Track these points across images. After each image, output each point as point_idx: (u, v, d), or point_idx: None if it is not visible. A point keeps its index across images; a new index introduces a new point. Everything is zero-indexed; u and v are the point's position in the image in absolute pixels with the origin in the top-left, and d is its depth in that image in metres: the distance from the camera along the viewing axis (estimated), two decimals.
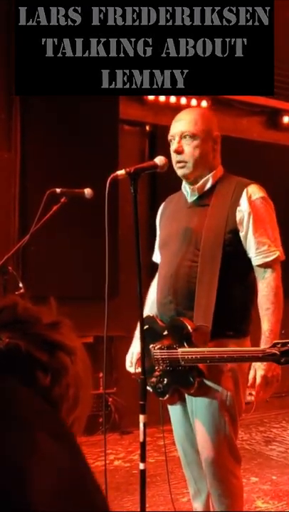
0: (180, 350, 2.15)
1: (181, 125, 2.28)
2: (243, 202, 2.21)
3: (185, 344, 2.15)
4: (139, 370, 2.21)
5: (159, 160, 2.22)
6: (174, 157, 2.28)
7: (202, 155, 2.26)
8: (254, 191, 2.23)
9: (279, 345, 1.91)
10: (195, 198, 2.33)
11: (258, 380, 2.05)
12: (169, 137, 2.32)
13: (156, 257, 2.53)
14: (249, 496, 3.39)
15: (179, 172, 2.30)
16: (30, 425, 0.60)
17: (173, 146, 2.28)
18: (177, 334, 2.19)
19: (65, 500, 0.55)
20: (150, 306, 2.46)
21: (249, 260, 2.21)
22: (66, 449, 0.62)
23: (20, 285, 2.97)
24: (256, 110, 5.55)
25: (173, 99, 4.92)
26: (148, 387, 2.27)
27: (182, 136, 2.26)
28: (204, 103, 5.04)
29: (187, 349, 2.14)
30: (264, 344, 2.08)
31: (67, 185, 2.85)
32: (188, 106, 4.79)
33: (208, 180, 2.30)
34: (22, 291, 2.86)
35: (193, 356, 2.11)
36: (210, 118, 2.34)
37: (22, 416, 0.61)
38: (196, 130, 2.25)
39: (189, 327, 2.15)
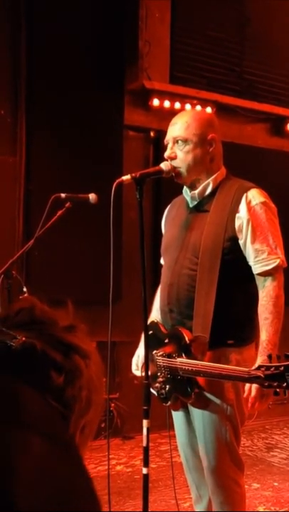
0: (178, 360, 2.14)
1: (173, 130, 2.23)
2: (242, 208, 2.14)
3: (183, 355, 2.14)
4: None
5: (165, 165, 2.22)
6: (169, 163, 2.23)
7: (196, 160, 2.21)
8: (254, 196, 2.16)
9: (263, 369, 1.89)
10: (195, 203, 2.29)
11: (253, 391, 2.02)
12: (165, 142, 2.28)
13: (163, 261, 2.52)
14: (251, 503, 3.39)
15: (175, 178, 2.25)
16: (26, 426, 0.60)
17: (166, 153, 2.24)
18: (176, 344, 2.18)
19: (51, 503, 0.55)
20: (157, 311, 2.44)
21: (251, 267, 2.16)
22: (61, 453, 0.62)
23: (24, 289, 2.98)
24: (261, 117, 5.57)
25: (178, 105, 4.94)
26: (153, 392, 2.27)
27: (175, 141, 2.22)
28: (209, 109, 5.06)
29: (184, 360, 2.12)
30: (261, 354, 2.06)
31: (72, 190, 2.86)
32: None
33: (209, 185, 2.25)
34: (26, 295, 2.87)
35: (190, 368, 2.10)
36: (205, 120, 2.27)
37: (19, 415, 0.62)
38: (188, 134, 2.19)
39: (186, 338, 2.13)
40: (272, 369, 1.87)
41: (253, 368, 1.93)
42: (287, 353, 1.91)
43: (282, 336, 2.13)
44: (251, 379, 1.93)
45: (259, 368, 1.90)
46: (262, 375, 1.88)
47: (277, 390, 1.89)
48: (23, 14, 4.39)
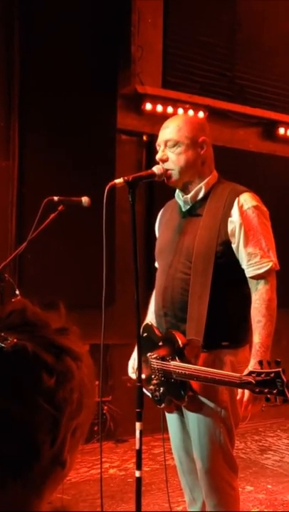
0: (172, 363, 2.15)
1: (165, 133, 2.25)
2: (235, 212, 2.16)
3: (177, 358, 2.15)
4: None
5: (157, 169, 2.23)
6: (161, 165, 2.24)
7: (188, 162, 2.22)
8: (246, 200, 2.18)
9: (254, 375, 1.90)
10: (188, 207, 2.30)
11: (246, 394, 2.03)
12: (156, 146, 2.30)
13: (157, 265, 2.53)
14: (244, 505, 3.39)
15: (167, 181, 2.25)
16: None
17: (158, 155, 2.25)
18: (170, 347, 2.19)
19: None
20: (152, 314, 2.45)
21: (244, 270, 2.18)
22: None
23: (17, 292, 2.98)
24: (253, 121, 5.60)
25: (170, 109, 4.96)
26: (148, 394, 2.27)
27: (166, 144, 2.24)
28: (201, 114, 5.08)
29: (178, 363, 2.13)
30: (254, 357, 2.08)
31: (65, 193, 2.86)
32: None
33: (201, 189, 2.26)
34: (18, 298, 2.87)
35: (183, 371, 2.11)
36: (196, 124, 2.30)
37: None
38: (180, 137, 2.21)
39: (180, 342, 2.14)
40: (262, 375, 1.88)
41: (245, 373, 1.94)
42: (278, 359, 1.92)
43: (275, 338, 2.14)
44: (242, 384, 1.94)
45: (250, 373, 1.91)
46: (253, 381, 1.89)
47: (268, 396, 1.90)
48: (17, 17, 4.40)
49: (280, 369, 1.87)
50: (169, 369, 2.16)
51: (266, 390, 1.88)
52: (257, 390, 1.89)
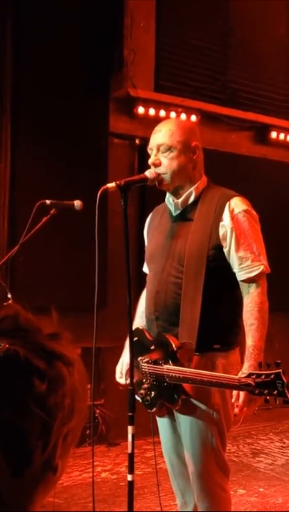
0: (165, 366, 2.15)
1: (157, 137, 2.25)
2: (226, 217, 2.18)
3: (170, 361, 2.15)
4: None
5: (150, 173, 2.24)
6: (153, 170, 2.25)
7: (180, 166, 2.23)
8: (237, 204, 2.20)
9: (254, 376, 1.90)
10: (179, 212, 2.31)
11: (242, 396, 2.04)
12: (148, 150, 2.30)
13: (146, 269, 2.54)
14: (236, 508, 3.39)
15: (158, 185, 2.26)
16: None
17: (150, 159, 2.26)
18: (163, 350, 2.19)
19: None
20: (140, 318, 2.46)
21: (235, 273, 2.20)
22: None
23: (9, 295, 2.97)
24: (245, 125, 5.62)
25: (162, 113, 4.98)
26: (138, 398, 2.27)
27: (159, 148, 2.24)
28: (194, 117, 5.10)
29: (171, 367, 2.13)
30: (247, 360, 2.09)
31: (57, 196, 2.86)
32: None
33: (191, 194, 2.27)
34: (10, 302, 2.86)
35: (177, 375, 2.11)
36: (188, 128, 2.31)
37: None
38: (172, 141, 2.22)
39: (173, 345, 2.15)
40: (262, 377, 1.89)
41: (244, 375, 1.94)
42: (278, 361, 1.93)
43: (267, 342, 2.15)
44: (241, 386, 1.94)
45: (249, 375, 1.92)
46: (252, 383, 1.90)
47: (268, 397, 1.90)
48: (9, 20, 4.40)
49: (280, 370, 1.88)
50: (162, 373, 2.16)
51: (266, 392, 1.88)
52: (256, 391, 1.90)
